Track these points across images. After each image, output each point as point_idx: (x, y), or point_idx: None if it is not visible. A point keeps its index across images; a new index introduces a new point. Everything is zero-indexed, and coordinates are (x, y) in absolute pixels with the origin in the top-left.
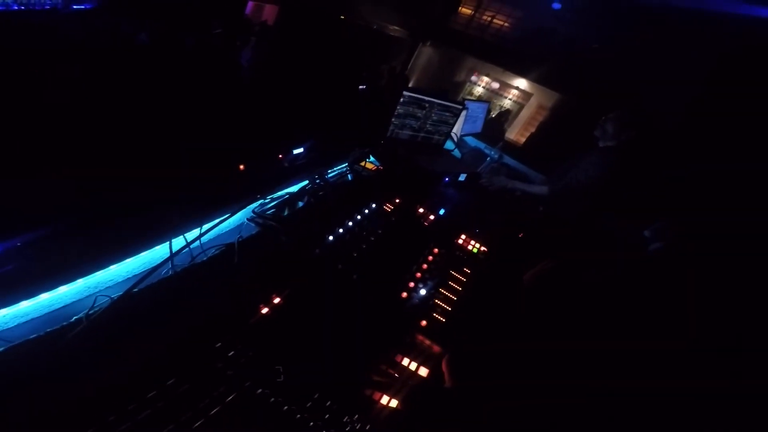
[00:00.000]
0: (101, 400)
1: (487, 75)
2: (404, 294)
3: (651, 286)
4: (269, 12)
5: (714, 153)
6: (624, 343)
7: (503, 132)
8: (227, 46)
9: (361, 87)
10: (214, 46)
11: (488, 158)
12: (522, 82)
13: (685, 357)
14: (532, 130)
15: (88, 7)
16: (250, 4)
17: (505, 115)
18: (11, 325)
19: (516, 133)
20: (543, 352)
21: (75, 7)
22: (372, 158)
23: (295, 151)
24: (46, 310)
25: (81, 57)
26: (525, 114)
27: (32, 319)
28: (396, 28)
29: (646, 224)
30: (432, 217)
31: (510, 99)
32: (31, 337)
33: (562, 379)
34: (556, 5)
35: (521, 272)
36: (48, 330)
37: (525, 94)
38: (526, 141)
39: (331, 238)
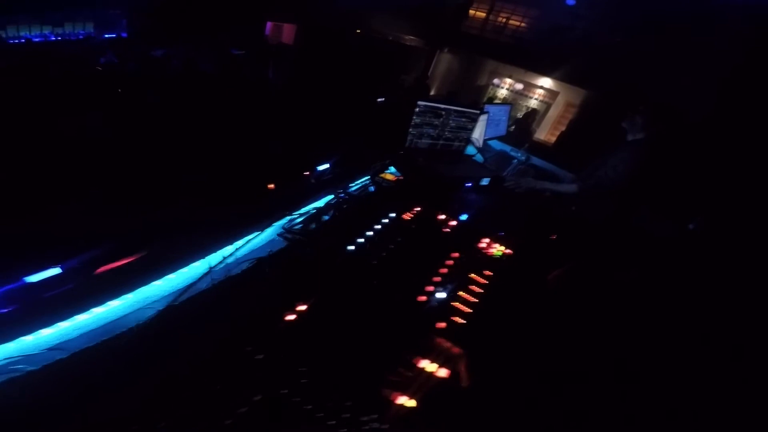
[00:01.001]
0: (146, 401)
1: (509, 77)
2: (423, 297)
3: (682, 285)
4: (288, 31)
5: (745, 147)
6: (650, 345)
7: (531, 133)
8: (249, 66)
9: (379, 99)
10: (237, 67)
11: (515, 161)
12: (546, 81)
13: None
14: (563, 128)
15: (121, 35)
16: (268, 25)
17: (533, 116)
18: (73, 336)
19: (546, 133)
20: (563, 353)
21: (107, 36)
22: (393, 169)
23: (321, 168)
24: (101, 323)
25: (116, 82)
26: (553, 113)
27: (91, 330)
28: (412, 37)
29: (682, 219)
30: (453, 223)
31: (536, 99)
32: (88, 345)
33: (581, 381)
34: (571, 1)
35: (546, 274)
36: (102, 339)
37: (551, 93)
38: (557, 140)
39: (352, 248)
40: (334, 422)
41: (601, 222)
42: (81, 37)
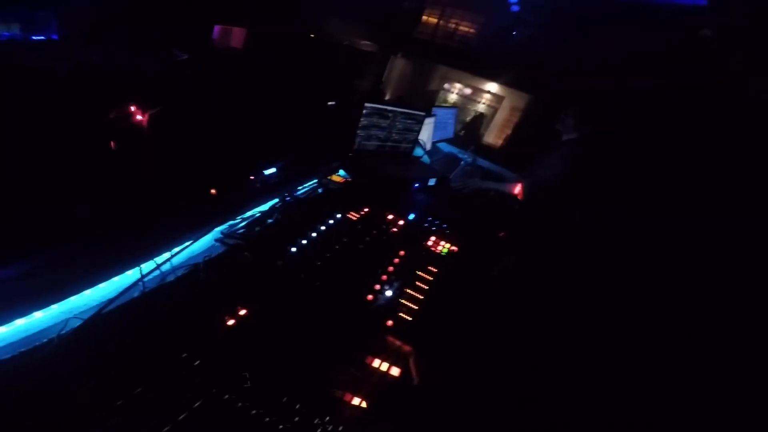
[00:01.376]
0: (70, 411)
1: (458, 81)
2: (369, 297)
3: (613, 280)
4: (237, 35)
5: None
6: (586, 337)
7: (479, 136)
8: (194, 71)
9: (330, 103)
10: (179, 71)
11: (462, 162)
12: (493, 86)
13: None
14: (508, 132)
15: (52, 37)
16: (216, 29)
17: (480, 120)
18: None
19: (493, 136)
20: (509, 348)
21: (34, 38)
22: (342, 172)
23: (267, 172)
24: (21, 335)
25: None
26: (500, 117)
27: (9, 344)
28: (366, 42)
29: (610, 215)
30: (401, 222)
31: (483, 103)
32: (3, 357)
33: (530, 375)
34: (515, 7)
35: (490, 269)
36: (21, 350)
37: (497, 98)
38: (503, 143)
39: (294, 249)
40: (284, 427)
41: (540, 219)
42: (4, 38)
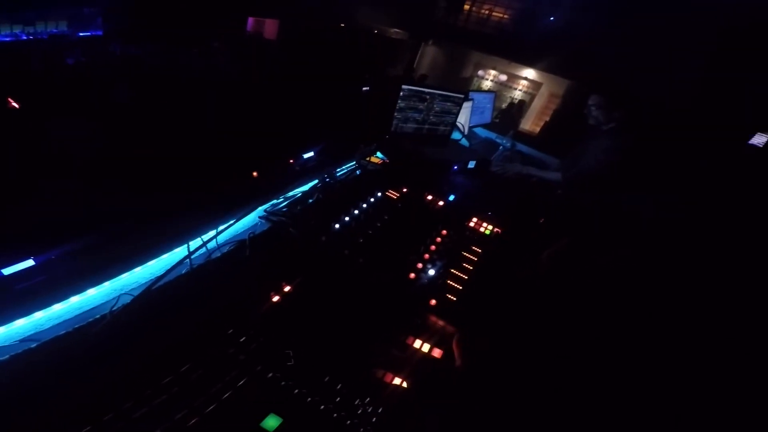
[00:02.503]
0: (120, 388)
1: (493, 68)
2: (412, 275)
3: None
4: (270, 27)
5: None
6: (638, 328)
7: (516, 123)
8: (231, 61)
9: (364, 89)
10: (219, 62)
11: (500, 147)
12: (530, 72)
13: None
14: (546, 119)
15: (97, 33)
16: (250, 20)
17: (517, 106)
18: (46, 327)
19: (530, 123)
20: (557, 333)
21: (81, 34)
22: (379, 154)
23: (306, 156)
24: (77, 312)
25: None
26: (537, 103)
27: (64, 321)
28: (397, 31)
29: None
30: (441, 203)
31: (520, 90)
32: (60, 333)
33: (574, 361)
34: None
35: (536, 252)
36: (75, 326)
37: (535, 84)
38: (541, 130)
39: (337, 226)
40: (325, 407)
41: (586, 206)
42: (52, 34)
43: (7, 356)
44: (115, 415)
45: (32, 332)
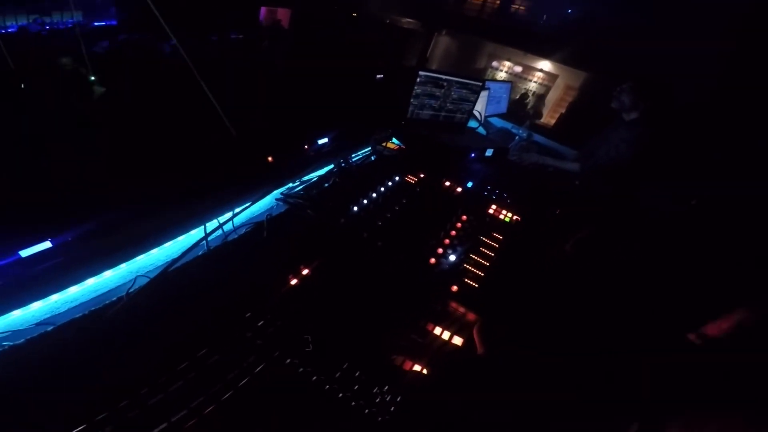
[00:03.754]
0: (136, 373)
1: (507, 59)
2: (432, 260)
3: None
4: (282, 15)
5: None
6: (657, 316)
7: (531, 114)
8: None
9: (378, 76)
10: (234, 50)
11: (517, 137)
12: (546, 64)
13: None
14: (562, 111)
15: (111, 23)
16: (262, 10)
17: (532, 98)
18: (62, 309)
19: (546, 115)
20: (576, 322)
21: (96, 23)
22: (395, 139)
23: (320, 141)
24: (93, 294)
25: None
26: (553, 96)
27: (80, 303)
28: (409, 20)
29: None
30: (459, 189)
31: (535, 82)
32: (76, 316)
33: (598, 349)
34: None
35: (556, 239)
36: (92, 309)
37: (550, 76)
38: (556, 122)
39: (355, 208)
40: (343, 394)
41: (604, 197)
42: (69, 25)
43: (23, 340)
44: (130, 402)
45: (48, 315)
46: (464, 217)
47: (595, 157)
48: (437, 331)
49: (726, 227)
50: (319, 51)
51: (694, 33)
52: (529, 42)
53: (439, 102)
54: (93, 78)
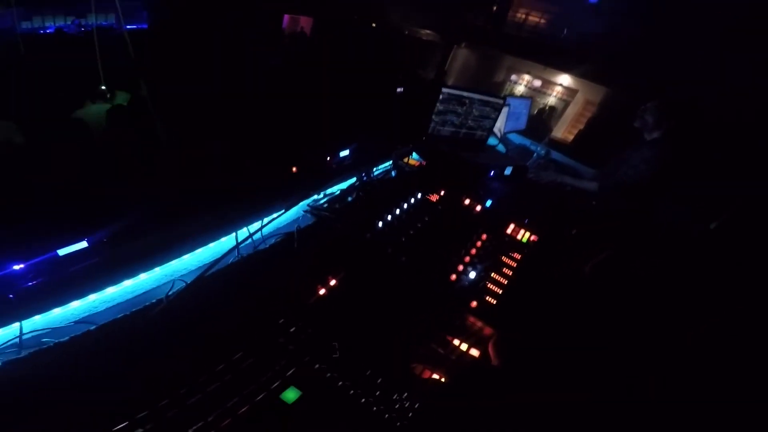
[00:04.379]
0: (176, 374)
1: (527, 73)
2: (453, 276)
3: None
4: (305, 24)
5: None
6: (681, 336)
7: (549, 129)
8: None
9: (398, 90)
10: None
11: (535, 154)
12: (565, 78)
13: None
14: (581, 127)
15: (141, 26)
16: (285, 18)
17: (551, 113)
18: (100, 309)
19: (564, 131)
20: (597, 339)
21: (128, 27)
22: (415, 155)
23: (342, 154)
24: (129, 296)
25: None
26: (572, 111)
27: (117, 304)
28: (428, 32)
29: (705, 212)
30: (479, 207)
31: (554, 96)
32: (119, 316)
33: (611, 369)
34: None
35: (573, 261)
36: (133, 310)
37: (570, 91)
38: (574, 138)
39: (380, 224)
40: (366, 400)
41: (622, 218)
42: (104, 27)
43: (67, 338)
44: (170, 401)
45: (86, 314)
46: (484, 236)
47: (616, 177)
48: (455, 342)
49: (746, 246)
50: (340, 60)
51: (718, 46)
52: (550, 56)
53: (460, 119)
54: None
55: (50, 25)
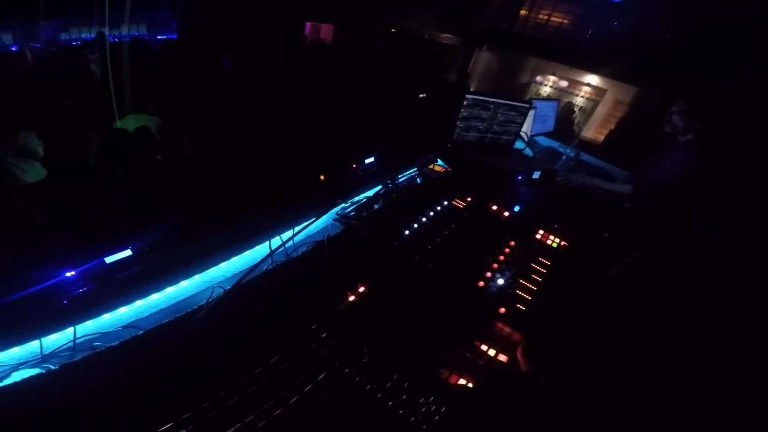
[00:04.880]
0: (217, 375)
1: (552, 74)
2: (481, 283)
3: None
4: (326, 31)
5: None
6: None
7: (579, 130)
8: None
9: (421, 96)
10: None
11: (564, 157)
12: (593, 78)
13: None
14: (611, 127)
15: (171, 37)
16: (307, 25)
17: (579, 114)
18: (145, 314)
19: (593, 131)
20: (625, 344)
21: (159, 37)
22: (440, 161)
23: (367, 161)
24: (172, 302)
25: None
26: (601, 111)
27: (161, 309)
28: (449, 35)
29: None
30: (506, 213)
31: (582, 96)
32: (163, 321)
33: (639, 375)
34: None
35: (604, 266)
36: (176, 315)
37: (598, 90)
38: (605, 138)
39: (407, 232)
40: (393, 403)
41: (656, 221)
42: (136, 35)
43: (117, 342)
44: (212, 403)
45: (133, 319)
46: (512, 243)
47: (648, 180)
48: (484, 347)
49: None
50: (362, 67)
51: (748, 43)
52: (575, 56)
53: (485, 124)
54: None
55: (86, 35)
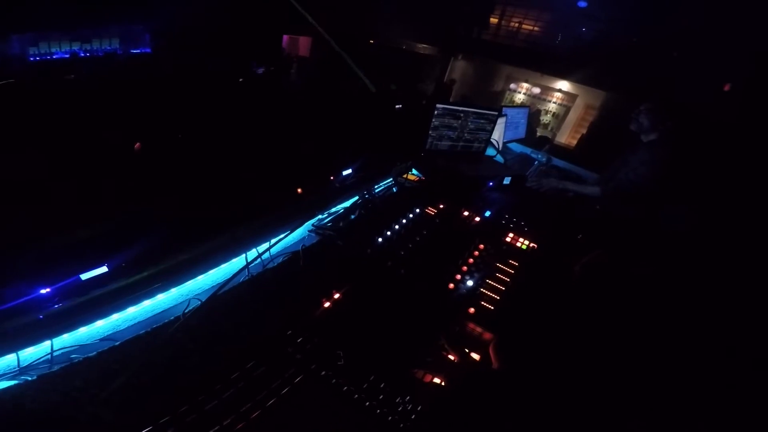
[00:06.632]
0: (194, 382)
1: (525, 81)
2: (451, 285)
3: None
4: (303, 43)
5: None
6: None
7: (550, 136)
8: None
9: (397, 106)
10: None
11: (536, 162)
12: (564, 84)
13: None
14: (583, 131)
15: (145, 51)
16: (285, 38)
17: (551, 119)
18: (122, 327)
19: (566, 136)
20: (589, 338)
21: (133, 51)
22: (414, 170)
23: (345, 173)
24: (149, 314)
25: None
26: (573, 116)
27: (138, 322)
28: (425, 45)
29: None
30: (477, 218)
31: (554, 102)
32: (141, 333)
33: (606, 368)
34: (582, 3)
35: (571, 265)
36: (153, 327)
37: (570, 96)
38: (577, 143)
39: (380, 240)
40: (370, 404)
41: (624, 221)
42: (109, 50)
43: (94, 353)
44: (190, 407)
45: (111, 332)
46: (481, 246)
47: (615, 181)
48: (455, 347)
49: (744, 249)
50: (340, 79)
51: (713, 45)
52: (545, 63)
53: (456, 132)
54: None
55: (56, 51)
